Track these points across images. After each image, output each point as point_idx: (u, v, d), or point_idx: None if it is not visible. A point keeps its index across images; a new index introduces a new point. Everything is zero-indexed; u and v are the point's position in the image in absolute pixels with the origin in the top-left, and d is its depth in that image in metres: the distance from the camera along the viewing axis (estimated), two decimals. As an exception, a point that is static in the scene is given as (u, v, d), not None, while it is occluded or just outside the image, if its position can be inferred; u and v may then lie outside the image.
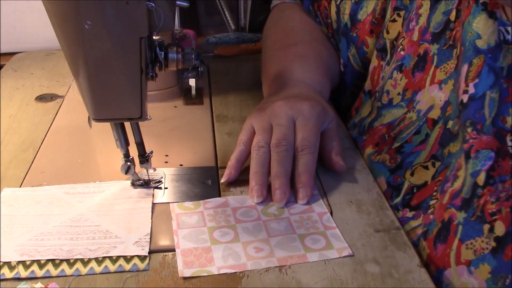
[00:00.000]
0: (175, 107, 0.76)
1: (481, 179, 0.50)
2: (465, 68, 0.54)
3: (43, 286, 0.44)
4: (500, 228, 0.47)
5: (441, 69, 0.60)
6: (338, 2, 0.76)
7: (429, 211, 0.54)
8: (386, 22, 0.70)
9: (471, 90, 0.53)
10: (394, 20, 0.68)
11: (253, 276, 0.46)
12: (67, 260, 0.47)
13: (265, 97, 0.69)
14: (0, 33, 0.99)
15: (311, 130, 0.58)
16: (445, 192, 0.53)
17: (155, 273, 0.46)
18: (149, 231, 0.50)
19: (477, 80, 0.53)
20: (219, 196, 0.56)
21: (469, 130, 0.52)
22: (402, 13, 0.68)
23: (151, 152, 0.56)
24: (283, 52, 0.75)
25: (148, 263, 0.47)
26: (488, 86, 0.52)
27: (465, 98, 0.54)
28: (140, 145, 0.55)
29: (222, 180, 0.58)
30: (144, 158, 0.56)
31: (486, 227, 0.48)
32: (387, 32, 0.69)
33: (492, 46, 0.52)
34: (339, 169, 0.59)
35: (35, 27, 0.99)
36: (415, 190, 0.57)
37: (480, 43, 0.53)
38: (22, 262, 0.46)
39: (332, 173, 0.60)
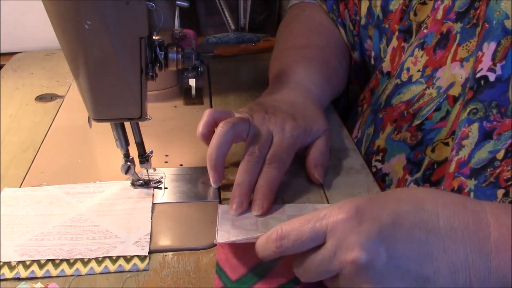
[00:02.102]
0: (175, 107, 0.76)
1: (500, 154, 0.51)
2: (492, 46, 0.54)
3: (43, 286, 0.44)
4: None
5: (463, 47, 0.60)
6: None
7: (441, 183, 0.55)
8: (414, 4, 0.69)
9: (498, 71, 0.53)
10: (424, 3, 0.68)
11: (253, 276, 0.46)
12: (67, 260, 0.47)
13: (264, 92, 0.68)
14: (0, 33, 0.99)
15: (284, 148, 0.57)
16: (451, 161, 0.54)
17: (155, 273, 0.46)
18: (149, 231, 0.50)
19: (504, 62, 0.53)
20: (220, 196, 0.56)
21: (494, 111, 0.53)
22: None
23: (151, 152, 0.56)
24: (291, 52, 0.75)
25: (148, 263, 0.47)
26: None
27: (492, 77, 0.54)
28: (140, 145, 0.55)
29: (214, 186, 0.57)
30: (144, 158, 0.56)
31: (500, 192, 0.49)
32: (415, 14, 0.69)
33: None
34: (315, 181, 0.59)
35: (35, 27, 0.99)
36: (435, 166, 0.58)
37: (508, 24, 0.53)
38: (22, 262, 0.46)
39: (332, 173, 0.60)
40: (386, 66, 0.72)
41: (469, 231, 0.40)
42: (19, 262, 0.46)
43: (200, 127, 0.58)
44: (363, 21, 0.77)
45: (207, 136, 0.57)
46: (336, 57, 0.77)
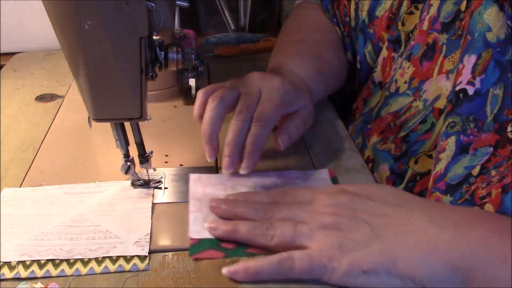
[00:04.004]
0: (175, 107, 0.76)
1: (476, 171, 0.51)
2: (473, 58, 0.54)
3: (43, 286, 0.44)
4: (489, 210, 0.48)
5: (449, 59, 0.60)
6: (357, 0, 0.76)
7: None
8: (401, 14, 0.69)
9: (478, 84, 0.54)
10: (411, 13, 0.68)
11: (253, 276, 0.46)
12: (67, 260, 0.47)
13: None
14: (0, 33, 0.99)
15: (271, 104, 0.57)
16: (431, 176, 0.55)
17: (155, 273, 0.46)
18: (149, 231, 0.50)
19: (483, 76, 0.53)
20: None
21: (471, 125, 0.53)
22: (420, 6, 0.67)
23: (151, 152, 0.56)
24: (287, 47, 0.75)
25: (148, 263, 0.47)
26: (492, 82, 0.53)
27: (470, 90, 0.54)
28: (140, 145, 0.55)
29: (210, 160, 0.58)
30: (144, 158, 0.56)
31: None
32: (403, 24, 0.69)
33: (501, 39, 0.53)
34: (276, 146, 0.58)
35: (35, 27, 0.99)
36: (418, 178, 0.58)
37: (490, 36, 0.54)
38: (22, 262, 0.46)
39: (332, 173, 0.60)
40: (377, 76, 0.73)
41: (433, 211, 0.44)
42: (19, 262, 0.46)
43: (196, 109, 0.59)
44: (352, 23, 0.77)
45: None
46: (332, 52, 0.77)
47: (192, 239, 0.49)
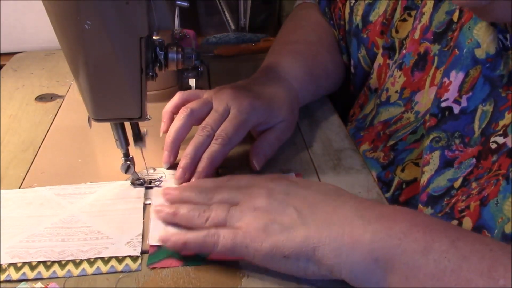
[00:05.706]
0: (175, 107, 0.76)
1: (458, 183, 0.51)
2: (460, 76, 0.54)
3: (43, 286, 0.44)
4: (467, 224, 0.48)
5: (440, 71, 0.60)
6: (352, 4, 0.76)
7: None
8: (395, 21, 0.69)
9: (464, 103, 0.53)
10: (404, 20, 0.68)
11: (253, 276, 0.46)
12: (59, 262, 0.46)
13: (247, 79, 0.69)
14: (0, 33, 0.99)
15: (235, 125, 0.57)
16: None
17: (155, 273, 0.46)
18: (141, 232, 0.50)
19: (470, 94, 0.53)
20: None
21: (457, 141, 0.53)
22: (413, 13, 0.67)
23: (146, 131, 0.56)
24: (282, 47, 0.75)
25: (140, 264, 0.47)
26: (481, 99, 0.52)
27: (456, 109, 0.54)
28: (135, 124, 0.55)
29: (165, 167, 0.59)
30: (139, 137, 0.55)
31: (454, 223, 0.49)
32: (396, 31, 0.69)
33: (491, 54, 0.52)
34: (252, 167, 0.59)
35: (35, 27, 0.99)
36: (404, 186, 0.58)
37: (479, 53, 0.53)
38: (13, 264, 0.46)
39: (332, 173, 0.60)
40: (373, 83, 0.73)
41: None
42: (10, 265, 0.46)
43: (169, 106, 0.61)
44: (347, 27, 0.77)
45: (170, 115, 0.60)
46: (328, 53, 0.77)
47: (151, 246, 0.48)
